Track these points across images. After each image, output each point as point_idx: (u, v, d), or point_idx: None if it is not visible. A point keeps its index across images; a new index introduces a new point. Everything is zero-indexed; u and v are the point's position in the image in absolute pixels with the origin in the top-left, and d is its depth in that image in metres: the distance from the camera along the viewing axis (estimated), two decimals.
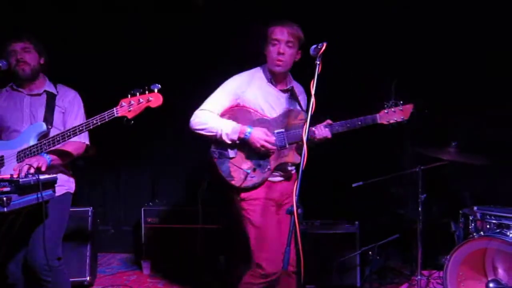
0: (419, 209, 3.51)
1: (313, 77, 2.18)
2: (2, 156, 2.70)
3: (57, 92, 2.87)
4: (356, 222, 3.75)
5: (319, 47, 2.27)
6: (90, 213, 3.97)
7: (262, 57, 2.74)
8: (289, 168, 2.79)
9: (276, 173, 2.71)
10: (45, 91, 2.85)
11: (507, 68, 3.91)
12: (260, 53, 2.74)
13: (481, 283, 2.92)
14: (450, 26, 4.00)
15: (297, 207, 1.88)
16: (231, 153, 2.64)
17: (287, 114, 2.68)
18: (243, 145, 2.62)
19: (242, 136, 2.57)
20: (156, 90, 2.41)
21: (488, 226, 3.09)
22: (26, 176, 2.33)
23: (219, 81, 2.77)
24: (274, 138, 2.59)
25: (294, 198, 1.88)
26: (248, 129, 2.57)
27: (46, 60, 2.88)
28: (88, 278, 3.84)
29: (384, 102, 2.58)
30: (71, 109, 2.86)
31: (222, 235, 4.30)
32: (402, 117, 2.57)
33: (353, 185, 3.70)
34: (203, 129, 2.65)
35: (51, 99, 2.82)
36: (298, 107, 2.77)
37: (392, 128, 2.61)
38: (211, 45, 4.51)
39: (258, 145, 2.56)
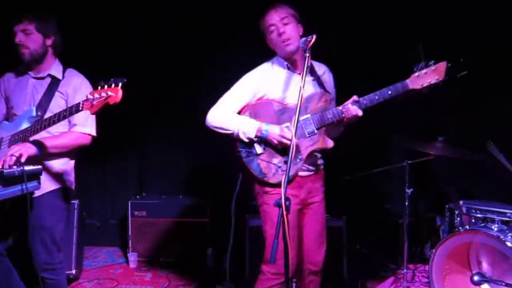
0: (406, 203, 3.54)
1: (313, 69, 2.14)
2: (1, 138, 2.64)
3: (64, 77, 2.72)
4: (343, 217, 3.76)
5: (308, 39, 2.25)
6: (76, 206, 3.92)
7: (272, 52, 2.65)
8: (319, 159, 2.68)
9: (304, 167, 2.57)
10: (49, 75, 2.71)
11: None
12: (269, 50, 2.65)
13: (466, 276, 2.95)
14: None
15: (286, 200, 1.85)
16: (258, 149, 2.53)
17: (309, 99, 2.51)
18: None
19: (259, 134, 2.48)
20: (120, 85, 2.21)
21: (473, 220, 3.13)
22: (10, 167, 2.28)
23: (210, 73, 2.71)
24: (290, 133, 2.41)
25: (283, 190, 1.87)
26: (264, 127, 2.47)
27: (57, 40, 2.71)
28: (74, 272, 3.80)
29: (414, 66, 2.32)
30: (74, 96, 2.68)
31: (211, 228, 4.30)
32: (436, 78, 2.28)
33: (341, 180, 3.73)
34: (220, 127, 2.56)
35: (53, 84, 2.68)
36: (320, 89, 2.60)
37: (428, 92, 2.33)
38: (203, 36, 4.49)
39: (276, 142, 2.46)
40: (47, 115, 2.58)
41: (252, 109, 2.58)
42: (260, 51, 2.68)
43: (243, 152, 2.55)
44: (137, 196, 4.57)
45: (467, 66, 2.28)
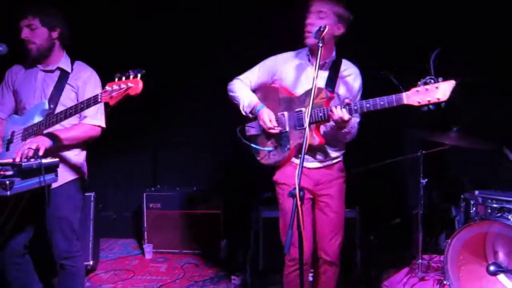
0: (420, 194, 3.52)
1: (316, 61, 2.14)
2: (13, 132, 2.68)
3: (72, 69, 2.73)
4: (356, 207, 3.75)
5: (321, 29, 2.25)
6: (92, 199, 3.98)
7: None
8: (330, 152, 2.62)
9: (311, 158, 2.57)
10: (58, 68, 2.72)
11: None
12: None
13: (482, 267, 2.94)
14: None
15: (299, 190, 1.86)
16: (258, 130, 2.68)
17: (309, 93, 2.38)
18: None
19: (253, 111, 2.62)
20: (139, 76, 2.23)
21: (489, 211, 3.09)
22: (28, 159, 2.32)
23: (224, 65, 2.78)
24: (274, 123, 2.51)
25: (296, 181, 1.87)
26: (258, 107, 2.59)
27: (63, 32, 2.71)
28: (91, 263, 3.87)
29: (421, 78, 2.08)
30: (84, 89, 2.69)
31: (224, 220, 4.32)
32: (437, 97, 2.02)
33: (352, 171, 3.71)
34: (232, 96, 2.73)
35: (63, 77, 2.70)
36: (328, 86, 2.51)
37: (429, 112, 2.10)
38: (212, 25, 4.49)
39: (259, 124, 2.59)
40: (59, 108, 2.61)
41: (264, 92, 2.71)
42: (276, 46, 2.70)
43: (247, 127, 2.74)
44: (152, 188, 4.61)
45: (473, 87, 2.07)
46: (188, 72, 4.57)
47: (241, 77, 2.75)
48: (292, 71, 2.61)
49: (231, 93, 2.74)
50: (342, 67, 2.59)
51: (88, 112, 2.65)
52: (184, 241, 4.38)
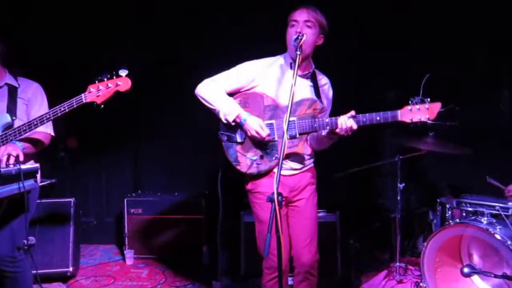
0: (398, 198, 3.59)
1: (293, 69, 2.18)
2: None
3: (19, 84, 2.80)
4: (337, 212, 3.81)
5: (299, 38, 2.30)
6: (72, 204, 3.95)
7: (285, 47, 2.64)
8: (306, 159, 2.67)
9: (287, 167, 2.59)
10: (6, 83, 2.77)
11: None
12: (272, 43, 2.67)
13: (457, 269, 3.00)
14: None
15: (278, 195, 1.89)
16: (239, 138, 2.58)
17: (300, 103, 2.52)
18: None
19: (238, 121, 2.51)
20: (124, 75, 2.42)
21: (464, 214, 3.18)
22: (7, 166, 2.32)
23: (204, 69, 2.73)
24: (267, 131, 2.48)
25: (275, 186, 1.90)
26: (244, 116, 2.50)
27: (3, 51, 2.75)
28: (70, 269, 3.83)
29: (410, 98, 2.30)
30: (35, 100, 2.80)
31: (206, 225, 4.33)
32: (426, 117, 2.27)
33: (335, 175, 3.78)
34: (205, 99, 2.59)
35: (13, 91, 2.76)
36: (315, 97, 2.60)
37: (416, 128, 2.36)
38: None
39: (249, 134, 2.50)
40: (17, 121, 2.69)
41: (244, 97, 2.62)
42: (258, 45, 2.73)
43: (224, 135, 2.61)
44: (133, 194, 4.60)
45: (459, 117, 2.31)
46: (169, 75, 4.58)
47: (215, 79, 2.63)
48: (276, 79, 2.58)
49: (203, 95, 2.60)
50: (318, 76, 2.67)
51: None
52: (165, 247, 4.36)
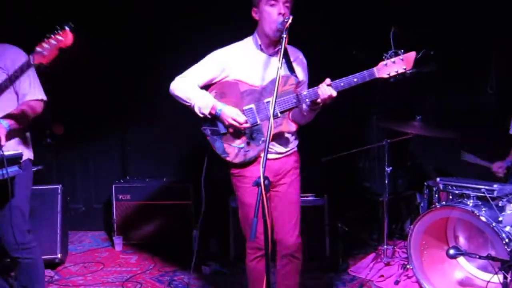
0: (386, 182, 3.62)
1: (280, 51, 2.15)
2: None
3: None
4: (325, 196, 3.83)
5: (285, 20, 2.26)
6: (59, 191, 3.92)
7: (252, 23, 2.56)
8: (291, 141, 2.63)
9: (272, 150, 2.55)
10: None
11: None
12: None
13: (443, 251, 3.03)
14: None
15: (264, 179, 1.89)
16: (222, 129, 2.55)
17: (275, 81, 2.36)
18: None
19: (213, 112, 2.49)
20: (67, 28, 2.24)
21: (450, 197, 3.22)
22: None
23: (197, 48, 2.66)
24: (244, 118, 2.45)
25: (261, 170, 1.89)
26: (219, 106, 2.47)
27: None
28: (59, 256, 3.81)
29: (383, 53, 2.27)
30: (14, 67, 2.52)
31: (195, 210, 4.33)
32: (404, 67, 2.26)
33: (322, 159, 3.79)
34: (178, 96, 2.57)
35: None
36: (288, 72, 2.52)
37: (396, 81, 2.35)
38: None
39: (227, 123, 2.48)
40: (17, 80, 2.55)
41: (219, 88, 2.58)
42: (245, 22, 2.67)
43: (207, 130, 2.58)
44: (121, 180, 4.57)
45: (435, 59, 2.30)
46: (156, 60, 4.52)
47: (185, 75, 2.60)
48: (246, 63, 2.54)
49: (177, 93, 2.58)
50: (290, 52, 2.58)
51: (25, 89, 2.62)
52: (154, 233, 4.36)
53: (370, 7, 4.11)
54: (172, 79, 2.66)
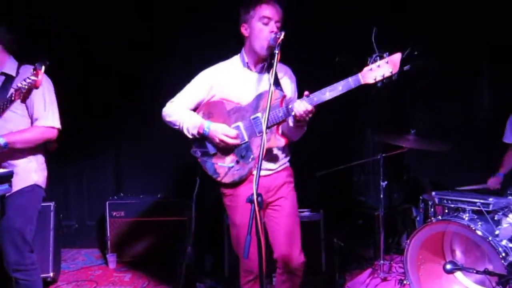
0: (381, 196, 3.60)
1: (272, 67, 2.13)
2: None
3: (18, 73, 2.67)
4: (321, 210, 3.80)
5: (277, 36, 2.26)
6: (52, 208, 3.87)
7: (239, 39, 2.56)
8: (281, 158, 2.60)
9: (262, 167, 2.42)
10: (2, 72, 2.67)
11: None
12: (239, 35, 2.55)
13: (440, 265, 3.00)
14: None
15: (257, 196, 1.86)
16: (211, 149, 2.53)
17: (260, 97, 2.46)
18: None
19: (201, 131, 2.47)
20: (42, 69, 2.36)
21: (446, 210, 3.21)
22: None
23: (192, 67, 2.66)
24: (235, 132, 2.44)
25: (254, 186, 1.86)
26: (206, 124, 2.46)
27: (6, 36, 2.67)
28: (51, 274, 3.75)
29: (367, 58, 2.17)
30: (34, 93, 2.62)
31: (190, 227, 4.29)
32: (390, 71, 2.13)
33: (317, 174, 3.77)
34: (170, 122, 2.58)
35: (7, 81, 2.64)
36: (277, 88, 2.48)
37: (383, 86, 2.18)
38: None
39: (217, 140, 2.45)
40: (7, 113, 2.58)
41: (206, 109, 2.57)
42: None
43: (197, 151, 2.57)
44: (115, 196, 4.53)
45: (421, 57, 2.23)
46: (150, 76, 4.52)
47: (174, 100, 2.61)
48: (232, 81, 2.53)
49: (167, 119, 2.59)
50: (278, 67, 2.50)
51: (38, 113, 2.63)
52: (149, 250, 4.31)
53: (360, 16, 4.13)
54: (166, 95, 2.67)
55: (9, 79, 2.66)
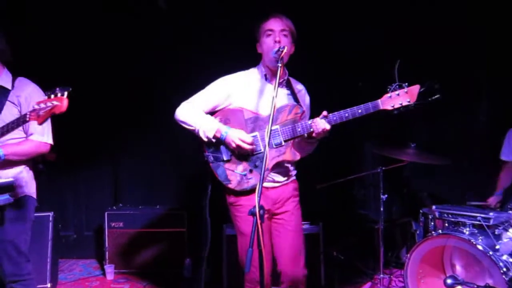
0: (381, 209, 3.60)
1: (275, 80, 2.16)
2: None
3: (14, 86, 2.67)
4: (320, 223, 3.79)
5: (280, 49, 2.30)
6: (51, 218, 3.86)
7: (257, 57, 2.63)
8: (290, 171, 2.65)
9: (269, 178, 2.56)
10: None
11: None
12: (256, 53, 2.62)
13: (440, 280, 3.01)
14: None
15: (260, 208, 1.86)
16: (225, 155, 2.53)
17: (280, 110, 2.51)
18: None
19: (218, 135, 2.48)
20: (66, 94, 2.23)
21: (446, 224, 3.20)
22: None
23: (185, 79, 2.69)
24: (251, 138, 2.46)
25: (256, 199, 1.87)
26: (224, 129, 2.47)
27: (2, 49, 2.65)
28: (48, 285, 3.72)
29: (388, 86, 2.31)
30: (27, 105, 2.62)
31: (188, 238, 4.27)
32: (408, 100, 2.28)
33: (317, 186, 3.77)
34: (184, 122, 2.57)
35: (2, 94, 2.64)
36: (294, 102, 2.59)
37: (399, 114, 2.33)
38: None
39: (234, 145, 2.45)
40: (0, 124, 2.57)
41: (223, 115, 2.59)
42: (238, 58, 2.70)
43: (210, 156, 2.57)
44: (113, 207, 4.51)
45: (440, 91, 2.34)
46: (149, 87, 4.53)
47: (191, 101, 2.62)
48: (252, 91, 2.58)
49: (181, 118, 2.58)
50: (293, 84, 2.66)
51: (35, 129, 2.63)
52: (147, 261, 4.28)
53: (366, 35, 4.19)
54: (165, 105, 2.68)
55: (4, 92, 2.65)
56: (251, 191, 2.50)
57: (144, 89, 4.53)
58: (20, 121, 2.37)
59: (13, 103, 2.65)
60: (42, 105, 2.25)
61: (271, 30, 2.50)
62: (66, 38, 4.43)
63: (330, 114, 2.38)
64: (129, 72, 4.51)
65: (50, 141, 2.73)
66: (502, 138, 3.63)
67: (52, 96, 2.23)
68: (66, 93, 2.21)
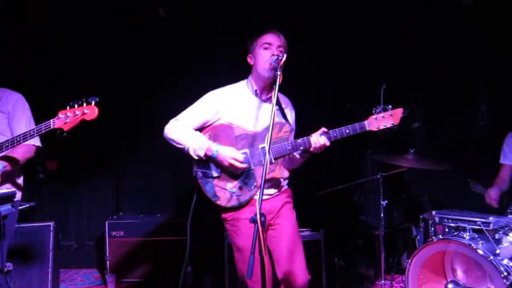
0: (381, 215, 3.60)
1: (274, 89, 2.18)
2: None
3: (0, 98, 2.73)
4: (321, 230, 3.79)
5: (279, 58, 2.31)
6: (51, 228, 3.84)
7: (247, 68, 2.64)
8: (281, 182, 2.66)
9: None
10: None
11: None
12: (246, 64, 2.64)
13: (441, 285, 3.02)
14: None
15: (261, 216, 1.87)
16: (214, 172, 2.54)
17: (272, 128, 2.46)
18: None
19: (209, 154, 2.48)
20: (93, 103, 2.36)
21: (446, 230, 3.20)
22: None
23: (190, 90, 2.70)
24: (243, 156, 2.47)
25: (257, 206, 1.88)
26: (215, 147, 2.48)
27: None
28: None
29: (373, 108, 2.41)
30: (15, 113, 2.73)
31: (189, 247, 4.26)
32: (391, 123, 2.39)
33: (318, 193, 3.78)
34: (172, 139, 2.57)
35: None
36: (283, 119, 2.61)
37: (383, 135, 2.46)
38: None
39: (226, 164, 2.46)
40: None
41: (213, 131, 2.59)
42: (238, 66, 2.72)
43: (199, 172, 2.57)
44: (114, 216, 4.51)
45: (420, 118, 2.42)
46: (150, 98, 4.55)
47: (179, 118, 2.62)
48: (242, 107, 2.58)
49: (171, 136, 2.58)
50: (280, 98, 2.67)
51: (21, 130, 2.65)
52: (148, 270, 4.27)
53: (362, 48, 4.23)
54: (165, 115, 2.68)
55: None
56: (240, 207, 2.53)
57: (145, 101, 4.55)
58: (42, 129, 2.42)
59: (2, 112, 2.73)
60: (69, 114, 2.35)
61: (269, 43, 2.53)
62: (66, 39, 4.46)
63: (331, 131, 2.42)
64: (130, 85, 4.53)
65: (37, 143, 2.79)
66: (501, 142, 3.65)
67: (76, 106, 2.36)
68: (94, 102, 2.35)
